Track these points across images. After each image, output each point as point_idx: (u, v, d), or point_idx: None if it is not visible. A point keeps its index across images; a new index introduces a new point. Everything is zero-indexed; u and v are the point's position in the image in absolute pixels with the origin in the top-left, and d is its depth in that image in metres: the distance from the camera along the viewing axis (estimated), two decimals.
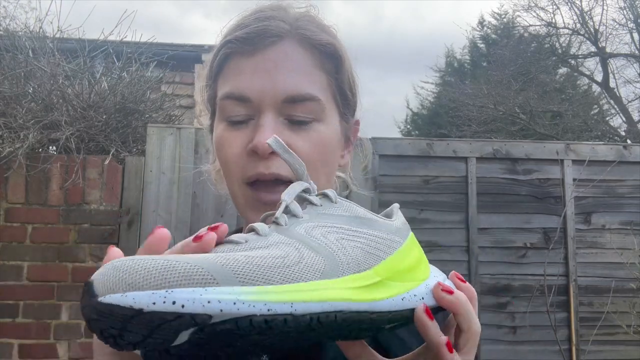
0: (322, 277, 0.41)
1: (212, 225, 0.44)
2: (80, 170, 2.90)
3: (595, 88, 11.76)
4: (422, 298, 0.50)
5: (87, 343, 2.80)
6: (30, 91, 3.29)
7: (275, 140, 0.51)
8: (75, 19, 3.83)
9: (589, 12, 10.67)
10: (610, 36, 10.77)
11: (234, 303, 0.34)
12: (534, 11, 11.38)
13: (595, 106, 11.49)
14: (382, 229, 0.52)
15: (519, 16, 12.09)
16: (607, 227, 3.30)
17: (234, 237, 0.45)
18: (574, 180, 3.29)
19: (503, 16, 13.38)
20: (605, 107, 11.50)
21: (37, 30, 3.73)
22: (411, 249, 0.54)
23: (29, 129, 2.94)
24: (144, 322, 0.34)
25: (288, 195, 0.50)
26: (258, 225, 0.46)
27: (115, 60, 3.71)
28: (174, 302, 0.33)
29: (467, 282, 0.54)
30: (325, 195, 0.53)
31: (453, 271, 0.55)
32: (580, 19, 10.83)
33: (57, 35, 3.72)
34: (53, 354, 2.79)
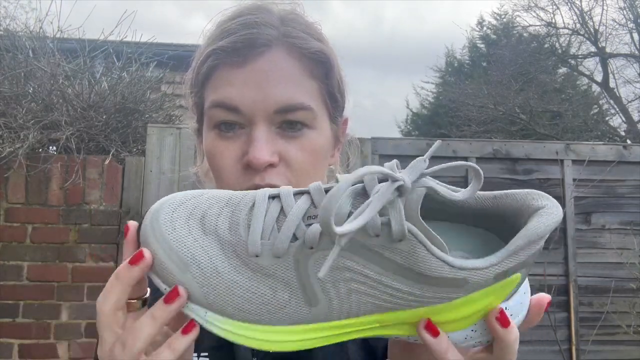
0: (295, 324, 0.44)
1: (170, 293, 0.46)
2: (80, 170, 2.90)
3: (595, 88, 11.76)
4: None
5: (87, 343, 2.80)
6: (30, 91, 3.29)
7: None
8: (75, 19, 3.83)
9: (588, 12, 10.68)
10: (610, 36, 10.79)
11: (203, 324, 0.45)
12: (534, 11, 11.40)
13: (595, 106, 11.49)
14: (439, 287, 0.42)
15: (518, 16, 12.11)
16: (607, 227, 3.30)
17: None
18: (574, 180, 3.29)
19: (503, 16, 13.39)
20: (605, 107, 11.51)
21: (37, 31, 3.73)
22: (474, 302, 0.44)
23: (29, 129, 2.94)
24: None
25: (348, 228, 0.38)
26: (289, 228, 0.42)
27: (116, 61, 3.72)
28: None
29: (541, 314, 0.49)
30: (387, 225, 0.40)
31: (545, 296, 0.49)
32: (580, 19, 10.84)
33: (57, 35, 3.72)
34: (53, 354, 2.79)
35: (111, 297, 0.45)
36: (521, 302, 0.47)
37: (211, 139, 0.66)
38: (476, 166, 0.44)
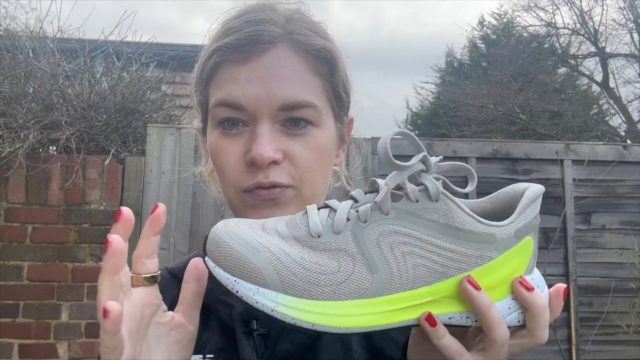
0: (362, 297, 0.48)
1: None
2: (81, 170, 2.90)
3: (595, 88, 11.77)
4: (475, 321, 0.50)
5: (87, 343, 2.81)
6: (30, 91, 3.29)
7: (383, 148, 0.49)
8: (75, 19, 3.83)
9: (588, 12, 10.68)
10: (610, 36, 10.78)
11: (271, 310, 0.46)
12: (534, 11, 11.40)
13: (595, 106, 11.49)
14: (473, 242, 0.49)
15: (518, 16, 12.12)
16: (607, 227, 3.30)
17: (316, 218, 0.50)
18: (574, 180, 3.29)
19: (503, 16, 13.39)
20: (605, 107, 11.51)
21: (38, 31, 3.73)
22: (505, 263, 0.50)
23: (29, 129, 2.94)
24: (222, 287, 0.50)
25: (391, 180, 0.49)
26: (343, 212, 0.49)
27: (116, 61, 3.72)
28: (237, 291, 0.47)
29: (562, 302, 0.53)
30: (425, 189, 0.49)
31: (561, 285, 0.53)
32: (580, 19, 10.84)
33: (58, 36, 3.72)
34: (53, 354, 2.79)
35: (101, 290, 0.46)
36: (541, 280, 0.53)
37: (215, 137, 0.66)
38: (468, 166, 0.54)
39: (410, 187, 0.49)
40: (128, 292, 0.50)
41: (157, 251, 0.53)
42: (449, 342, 0.49)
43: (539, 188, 0.53)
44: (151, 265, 0.51)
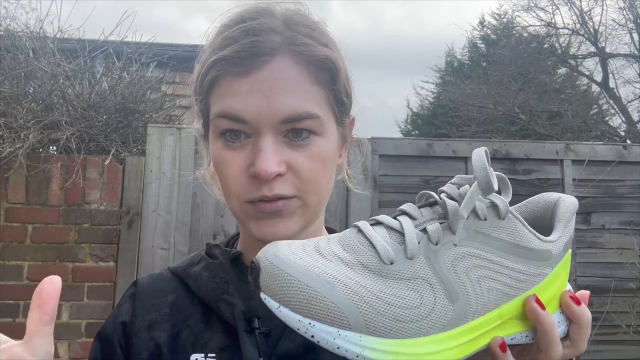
0: (444, 329, 0.44)
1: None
2: (81, 170, 2.90)
3: (595, 88, 11.77)
4: (532, 338, 0.50)
5: (87, 343, 2.81)
6: (30, 91, 3.30)
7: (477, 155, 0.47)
8: (75, 19, 3.84)
9: (588, 13, 10.68)
10: (609, 36, 10.78)
11: (357, 356, 0.41)
12: (534, 11, 11.40)
13: (595, 106, 11.49)
14: (534, 261, 0.49)
15: (518, 16, 12.12)
16: (607, 227, 3.30)
17: (381, 242, 0.45)
18: (574, 180, 3.29)
19: (503, 16, 13.40)
20: (605, 107, 11.51)
21: (38, 31, 3.74)
22: (556, 278, 0.51)
23: (29, 129, 2.94)
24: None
25: (465, 209, 0.46)
26: (412, 234, 0.45)
27: (116, 61, 3.72)
28: (312, 336, 0.41)
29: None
30: (494, 206, 0.48)
31: (585, 292, 0.55)
32: (580, 19, 10.84)
33: (58, 36, 3.72)
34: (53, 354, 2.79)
35: None
36: (570, 289, 0.54)
37: (218, 149, 0.66)
38: (503, 175, 0.52)
39: (478, 204, 0.47)
40: None
41: None
42: None
43: (575, 200, 0.54)
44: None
